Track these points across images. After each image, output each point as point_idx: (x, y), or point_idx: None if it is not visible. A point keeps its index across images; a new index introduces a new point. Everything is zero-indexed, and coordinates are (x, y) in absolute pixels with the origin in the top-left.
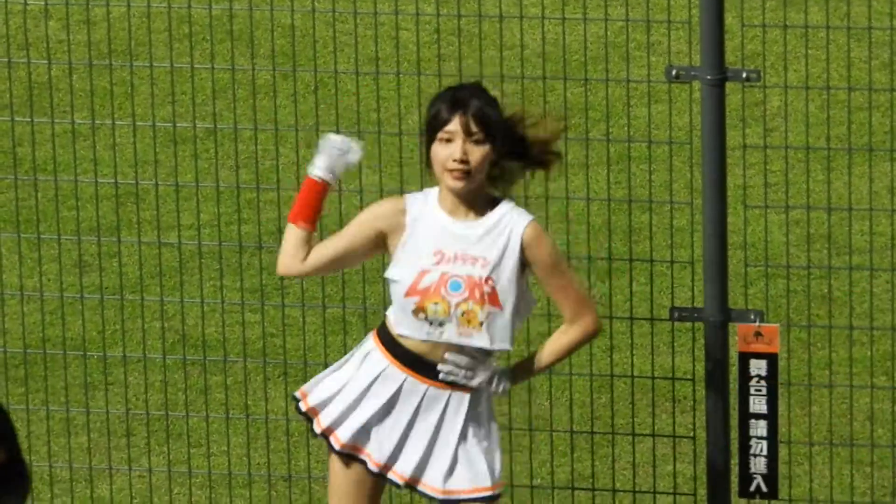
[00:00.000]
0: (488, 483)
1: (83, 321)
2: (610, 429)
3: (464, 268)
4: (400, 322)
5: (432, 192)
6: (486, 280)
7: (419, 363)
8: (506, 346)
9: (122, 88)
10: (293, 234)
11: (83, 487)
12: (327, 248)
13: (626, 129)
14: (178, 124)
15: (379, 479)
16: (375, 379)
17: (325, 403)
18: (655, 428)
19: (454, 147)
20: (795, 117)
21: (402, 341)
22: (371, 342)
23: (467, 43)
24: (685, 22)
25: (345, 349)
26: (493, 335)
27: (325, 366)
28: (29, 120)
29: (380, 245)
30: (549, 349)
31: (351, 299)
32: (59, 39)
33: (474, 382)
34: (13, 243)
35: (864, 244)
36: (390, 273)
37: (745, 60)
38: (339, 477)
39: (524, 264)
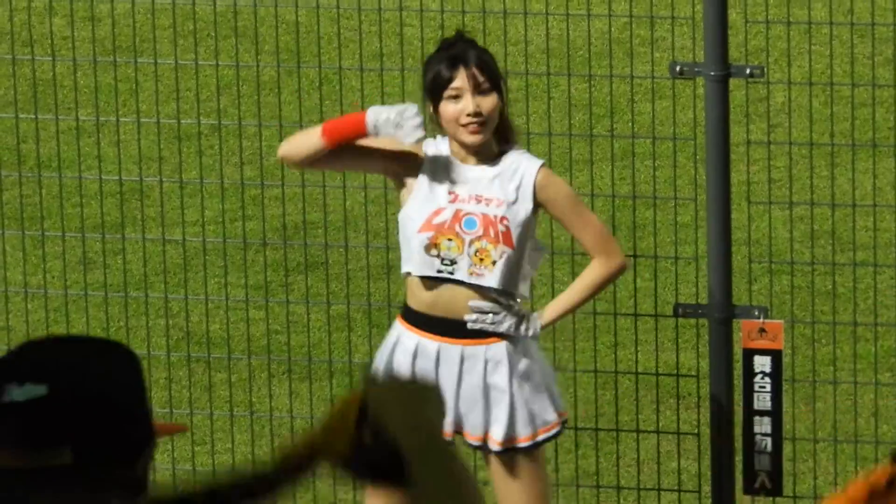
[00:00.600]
0: (550, 422)
1: (87, 318)
2: (614, 425)
3: (479, 206)
4: (410, 260)
5: (443, 141)
6: (501, 219)
7: (447, 326)
8: (516, 288)
9: (126, 85)
10: (312, 138)
11: None
12: (344, 153)
13: (630, 125)
14: (182, 121)
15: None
16: (413, 360)
17: None
18: (660, 425)
19: (465, 102)
20: (799, 113)
21: (424, 308)
22: (398, 327)
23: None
24: (689, 18)
25: (350, 346)
26: (505, 275)
27: (330, 363)
28: (33, 117)
29: (388, 170)
30: (578, 286)
31: (355, 296)
32: (63, 36)
33: (503, 328)
34: (17, 240)
35: (868, 240)
36: (404, 211)
37: (748, 56)
38: None
39: (537, 207)
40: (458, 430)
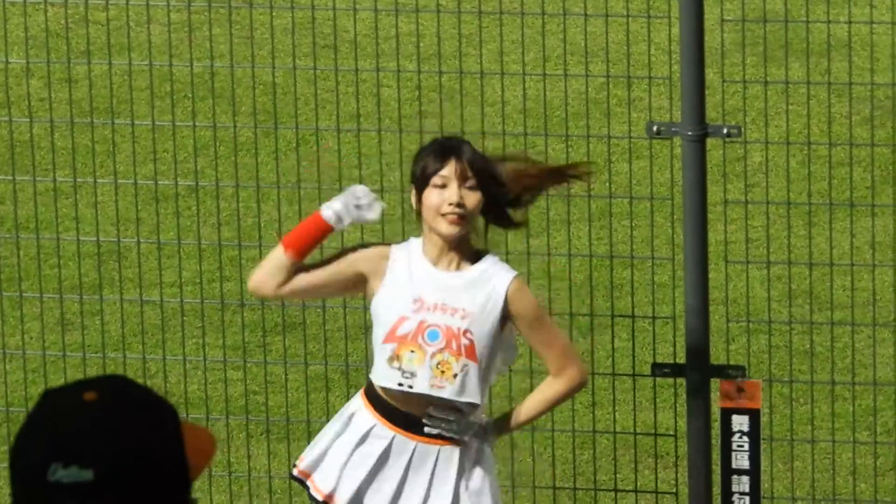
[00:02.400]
0: None
1: (65, 379)
2: (593, 485)
3: (443, 317)
4: (376, 369)
5: (416, 242)
6: (465, 332)
7: (406, 420)
8: (475, 399)
9: (103, 146)
10: (279, 258)
11: None
12: (305, 279)
13: (607, 185)
14: (159, 182)
15: None
16: (364, 438)
17: (316, 464)
18: (638, 484)
19: (450, 192)
20: (776, 172)
21: (387, 398)
22: (358, 400)
23: (449, 99)
24: (666, 78)
25: (328, 406)
26: (465, 388)
27: (308, 423)
28: (10, 178)
29: (358, 286)
30: (534, 401)
31: (333, 356)
32: (40, 97)
33: (457, 435)
34: None
35: (845, 299)
36: (372, 311)
37: (725, 116)
38: None
39: (505, 318)
40: None
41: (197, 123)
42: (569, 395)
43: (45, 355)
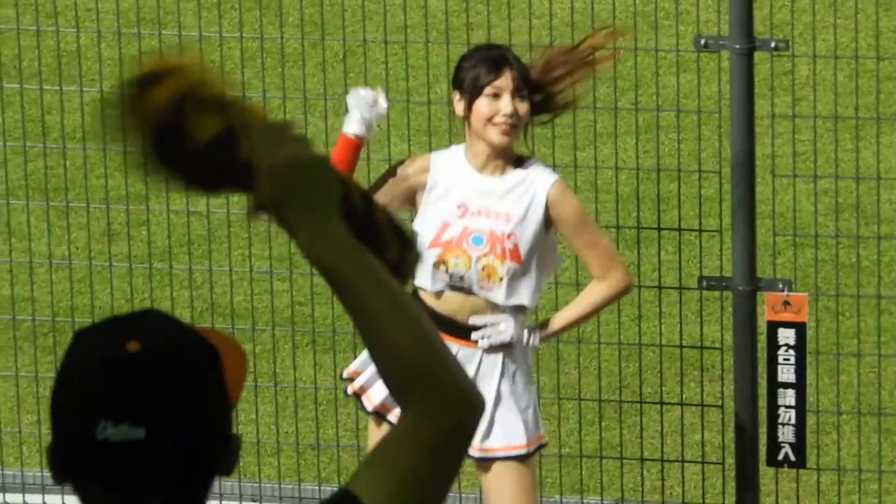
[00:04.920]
0: (522, 441)
1: (112, 289)
2: (638, 398)
3: (487, 222)
4: (422, 275)
5: (457, 149)
6: (509, 236)
7: (450, 325)
8: (524, 301)
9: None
10: None
11: None
12: None
13: (654, 98)
14: None
15: None
16: None
17: (369, 380)
18: (684, 397)
19: (504, 102)
20: (824, 87)
21: (431, 303)
22: None
23: (496, 11)
24: None
25: None
26: (512, 291)
27: (354, 334)
28: (58, 88)
29: (409, 202)
30: (580, 305)
31: None
32: (87, 8)
33: (504, 338)
34: (42, 212)
35: (892, 213)
36: (415, 226)
37: (773, 30)
38: (376, 438)
39: (548, 222)
40: None
41: (244, 34)
42: (613, 299)
43: (91, 265)
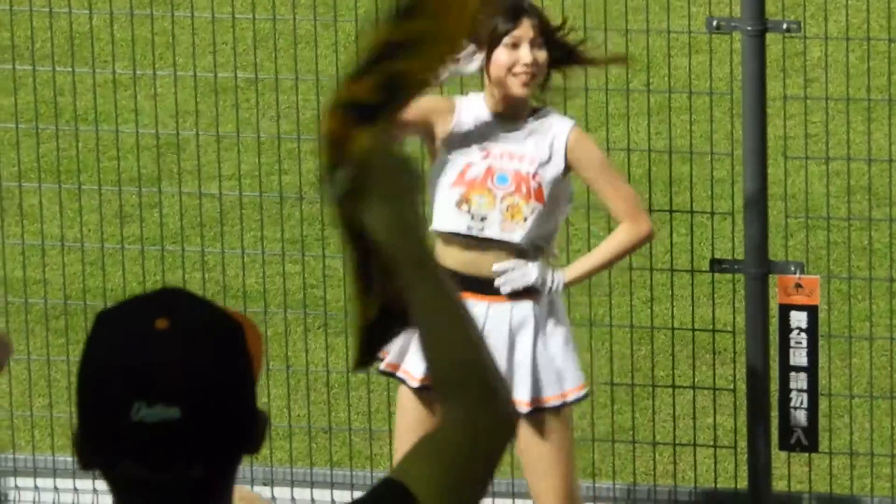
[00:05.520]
0: (578, 383)
1: (123, 272)
2: (650, 381)
3: (511, 163)
4: (441, 217)
5: (476, 97)
6: (534, 176)
7: (472, 282)
8: (543, 243)
9: (163, 38)
10: None
11: None
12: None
13: (666, 79)
14: (218, 74)
15: None
16: None
17: (401, 354)
18: (696, 380)
19: (523, 52)
20: (836, 68)
21: (453, 263)
22: None
23: None
24: None
25: None
26: (535, 231)
27: None
28: (70, 70)
29: (425, 134)
30: (603, 249)
31: None
32: None
33: (528, 280)
34: (54, 193)
35: None
36: (436, 165)
37: (785, 11)
38: (413, 413)
39: (567, 167)
40: None
41: (257, 16)
42: (636, 246)
43: (103, 248)
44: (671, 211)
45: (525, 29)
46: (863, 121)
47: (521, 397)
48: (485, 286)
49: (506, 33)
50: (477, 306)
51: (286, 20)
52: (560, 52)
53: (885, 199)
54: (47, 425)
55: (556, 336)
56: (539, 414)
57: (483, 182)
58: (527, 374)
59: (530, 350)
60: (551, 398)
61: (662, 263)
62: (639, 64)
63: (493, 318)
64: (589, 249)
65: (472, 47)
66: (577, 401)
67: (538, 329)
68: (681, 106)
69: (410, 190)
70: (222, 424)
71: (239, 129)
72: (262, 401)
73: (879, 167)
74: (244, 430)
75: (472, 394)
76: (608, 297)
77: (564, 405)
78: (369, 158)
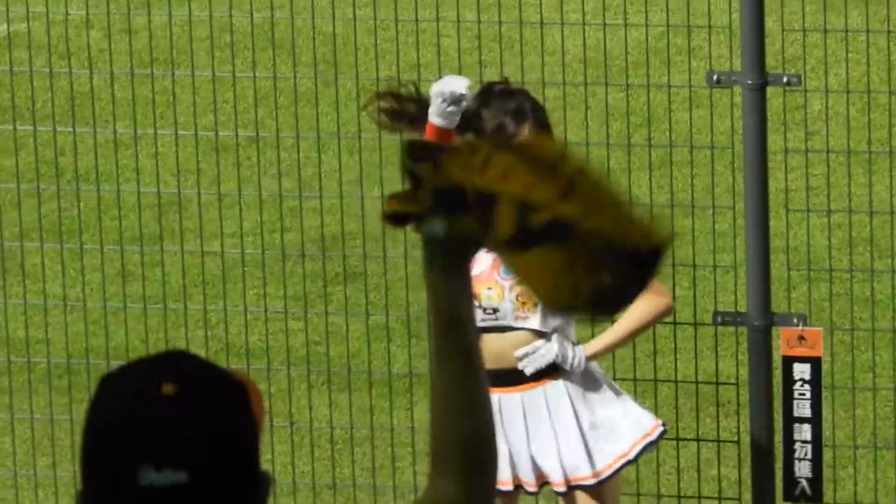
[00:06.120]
0: (641, 433)
1: (126, 330)
2: None
3: None
4: None
5: None
6: None
7: (501, 377)
8: (560, 322)
9: (163, 97)
10: None
11: None
12: None
13: (667, 134)
14: (220, 132)
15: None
16: None
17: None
18: (700, 432)
19: None
20: (836, 121)
21: None
22: None
23: (508, 49)
24: (726, 27)
25: (389, 356)
26: (549, 315)
27: (370, 373)
28: (71, 129)
29: None
30: (624, 324)
31: (394, 306)
32: (100, 48)
33: (549, 358)
34: (56, 253)
35: None
36: None
37: (785, 64)
38: None
39: None
40: (536, 480)
41: (257, 74)
42: (655, 320)
43: (105, 307)
44: (674, 264)
45: (527, 132)
46: (864, 173)
47: (584, 473)
48: (513, 377)
49: (512, 136)
50: (511, 399)
51: (287, 78)
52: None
53: (887, 250)
54: (51, 484)
55: (598, 398)
56: (600, 485)
57: (490, 275)
58: (580, 449)
59: (575, 425)
60: (611, 464)
61: (666, 317)
62: (640, 118)
63: (529, 403)
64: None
65: (457, 80)
66: (648, 447)
67: (576, 401)
68: (682, 160)
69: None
70: (229, 486)
71: (240, 186)
72: (266, 457)
73: (881, 219)
74: (250, 491)
75: (472, 472)
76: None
77: (630, 462)
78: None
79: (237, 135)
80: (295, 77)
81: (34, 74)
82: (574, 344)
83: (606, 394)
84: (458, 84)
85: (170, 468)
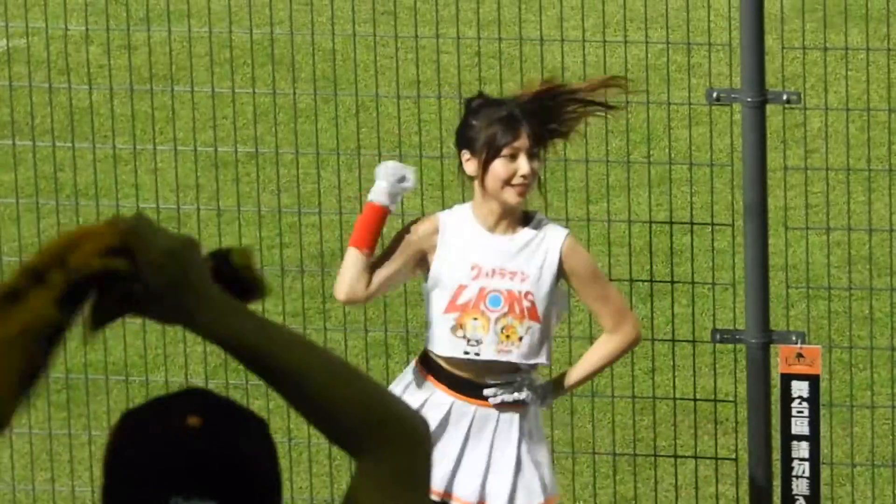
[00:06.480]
0: (541, 498)
1: (125, 346)
2: (652, 451)
3: (502, 282)
4: (437, 341)
5: (464, 208)
6: (526, 294)
7: (465, 385)
8: (543, 360)
9: (162, 113)
10: (356, 260)
11: None
12: (382, 273)
13: (666, 151)
14: (219, 148)
15: None
16: (422, 406)
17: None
18: (698, 450)
19: (521, 163)
20: (836, 138)
21: (445, 365)
22: (412, 370)
23: (508, 66)
24: (725, 44)
25: (387, 372)
26: (531, 350)
27: None
28: (70, 145)
29: (421, 264)
30: (591, 359)
31: (393, 322)
32: (99, 64)
33: (520, 397)
34: None
35: None
36: (428, 289)
37: (785, 82)
38: None
39: (559, 276)
40: (447, 493)
41: (256, 90)
42: (624, 351)
43: None
44: (672, 282)
45: (522, 140)
46: (863, 191)
47: (499, 501)
48: (475, 389)
49: (505, 145)
50: (465, 408)
51: (286, 94)
52: (556, 117)
53: (886, 268)
54: (49, 499)
55: (535, 450)
56: None
57: (476, 305)
58: (507, 484)
59: (513, 461)
60: None
61: (664, 334)
62: (639, 136)
63: (479, 419)
64: (591, 324)
65: (399, 165)
66: None
67: (521, 442)
68: (681, 177)
69: (206, 271)
70: None
71: (240, 202)
72: None
73: (880, 237)
74: None
75: (382, 440)
76: (609, 367)
77: None
78: (160, 262)
79: (236, 151)
80: (294, 93)
81: (33, 90)
82: (544, 386)
83: (541, 446)
84: (403, 168)
85: (197, 498)
